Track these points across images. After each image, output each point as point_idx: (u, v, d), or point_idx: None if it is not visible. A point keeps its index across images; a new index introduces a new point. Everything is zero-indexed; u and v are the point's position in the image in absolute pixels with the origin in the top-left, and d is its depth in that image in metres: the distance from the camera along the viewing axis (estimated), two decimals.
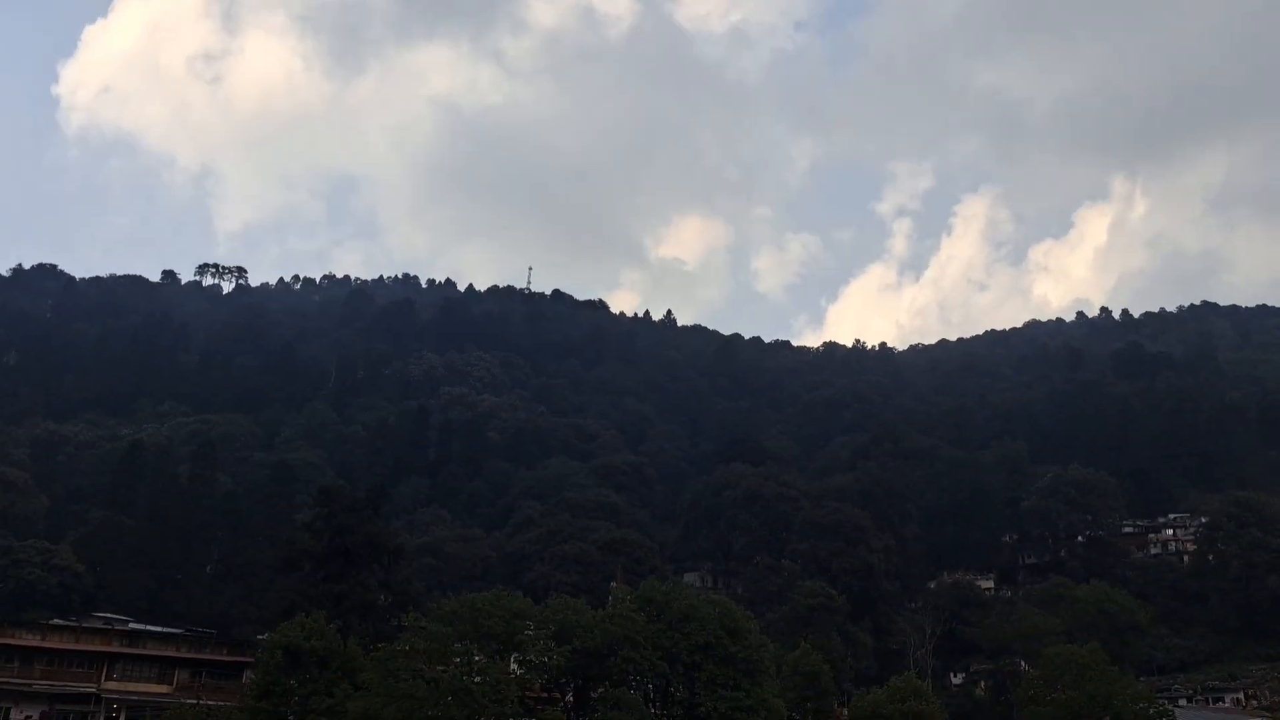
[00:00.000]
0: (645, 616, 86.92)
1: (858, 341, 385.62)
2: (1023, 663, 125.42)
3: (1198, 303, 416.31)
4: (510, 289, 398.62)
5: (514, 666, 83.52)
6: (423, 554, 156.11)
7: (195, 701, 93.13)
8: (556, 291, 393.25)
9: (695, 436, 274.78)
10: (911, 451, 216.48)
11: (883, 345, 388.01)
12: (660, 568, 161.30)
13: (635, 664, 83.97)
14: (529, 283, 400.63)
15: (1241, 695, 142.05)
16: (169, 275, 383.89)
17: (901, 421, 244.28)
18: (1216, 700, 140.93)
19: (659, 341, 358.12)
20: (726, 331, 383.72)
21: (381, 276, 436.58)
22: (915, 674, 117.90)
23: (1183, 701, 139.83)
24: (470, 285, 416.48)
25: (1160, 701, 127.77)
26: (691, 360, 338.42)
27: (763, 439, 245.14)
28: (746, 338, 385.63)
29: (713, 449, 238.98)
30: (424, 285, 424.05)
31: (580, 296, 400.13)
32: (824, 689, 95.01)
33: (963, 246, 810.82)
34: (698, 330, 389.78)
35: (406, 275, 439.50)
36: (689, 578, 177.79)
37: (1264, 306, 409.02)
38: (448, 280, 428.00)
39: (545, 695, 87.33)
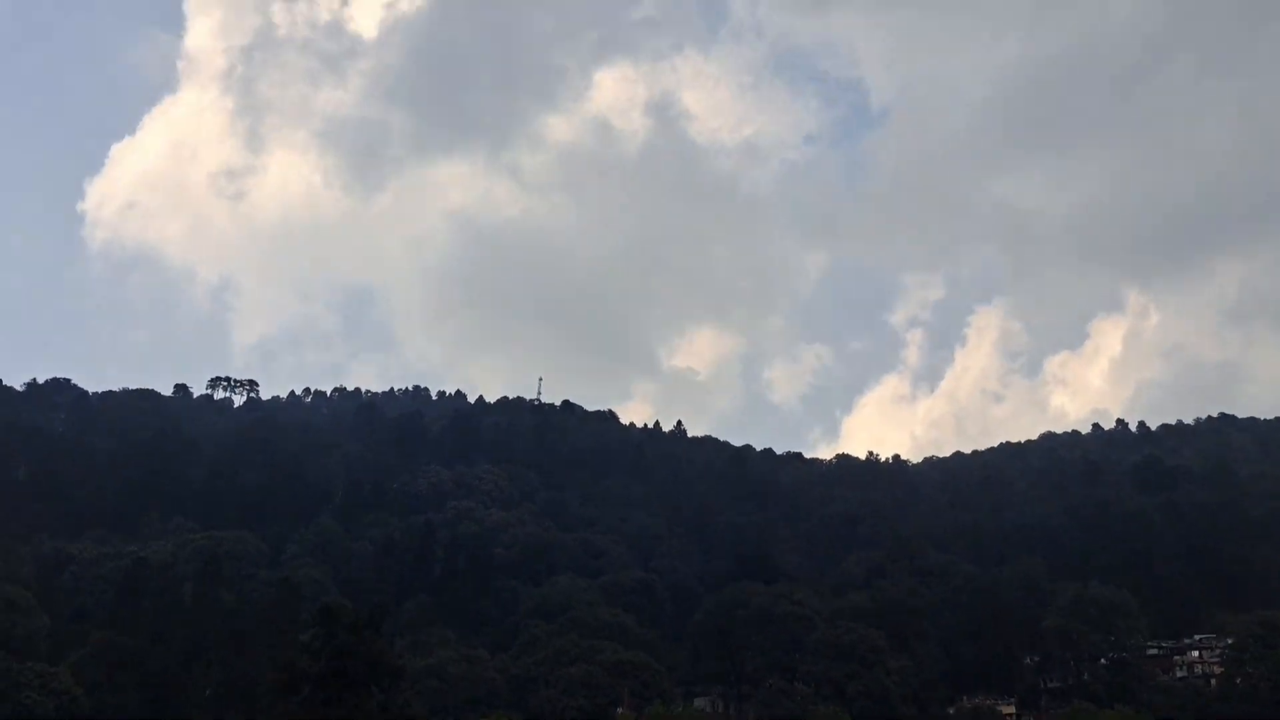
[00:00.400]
0: None
1: (871, 454, 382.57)
2: None
3: (1216, 415, 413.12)
4: (520, 400, 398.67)
5: None
6: (426, 676, 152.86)
7: None
8: (566, 402, 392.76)
9: (706, 551, 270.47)
10: (928, 569, 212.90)
11: (896, 458, 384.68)
12: (669, 691, 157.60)
13: None
14: (539, 393, 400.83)
15: None
16: (181, 389, 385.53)
17: (917, 537, 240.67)
18: None
19: (669, 453, 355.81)
20: (738, 442, 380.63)
21: (393, 389, 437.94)
22: None
23: None
24: (480, 397, 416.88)
25: None
26: (702, 472, 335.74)
27: (775, 555, 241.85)
28: (759, 449, 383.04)
29: (724, 565, 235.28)
30: (434, 397, 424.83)
31: (591, 407, 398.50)
32: None
33: (977, 358, 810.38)
34: (709, 441, 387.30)
35: (417, 387, 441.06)
36: (699, 702, 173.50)
37: None
38: (458, 392, 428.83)
39: None
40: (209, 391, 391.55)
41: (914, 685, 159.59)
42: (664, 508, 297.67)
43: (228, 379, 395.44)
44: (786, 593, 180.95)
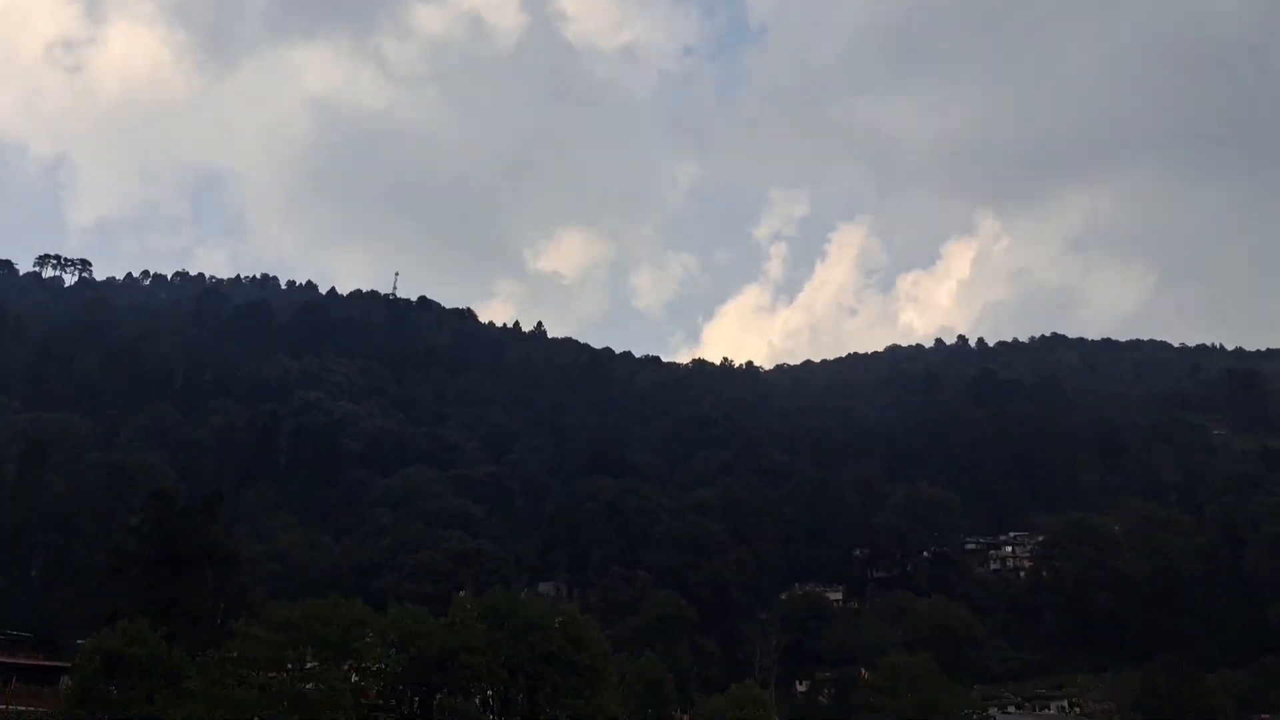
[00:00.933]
0: (488, 626, 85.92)
1: (726, 360, 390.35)
2: (864, 671, 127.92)
3: (1049, 334, 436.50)
4: (374, 294, 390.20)
5: (352, 675, 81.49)
6: (267, 561, 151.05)
7: (4, 707, 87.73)
8: (423, 298, 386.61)
9: (560, 450, 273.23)
10: (772, 469, 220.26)
11: (750, 364, 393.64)
12: (513, 579, 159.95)
13: (475, 671, 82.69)
14: (395, 288, 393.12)
15: (1066, 703, 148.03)
16: (4, 265, 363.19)
17: (764, 439, 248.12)
18: (1043, 707, 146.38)
19: (529, 353, 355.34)
20: (603, 346, 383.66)
21: (239, 276, 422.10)
22: (758, 682, 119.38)
23: (1012, 709, 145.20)
24: (333, 288, 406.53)
25: (987, 708, 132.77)
26: (561, 373, 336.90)
27: (627, 453, 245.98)
28: (619, 353, 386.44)
29: (576, 462, 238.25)
30: (283, 287, 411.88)
31: (450, 305, 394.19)
32: (666, 696, 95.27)
33: (835, 273, 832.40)
34: (568, 343, 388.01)
35: (266, 276, 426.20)
36: (544, 588, 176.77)
37: (1108, 340, 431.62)
38: (309, 283, 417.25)
39: (382, 703, 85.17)
40: (36, 269, 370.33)
41: (751, 575, 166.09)
42: (520, 407, 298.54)
43: (58, 257, 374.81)
44: (635, 488, 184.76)
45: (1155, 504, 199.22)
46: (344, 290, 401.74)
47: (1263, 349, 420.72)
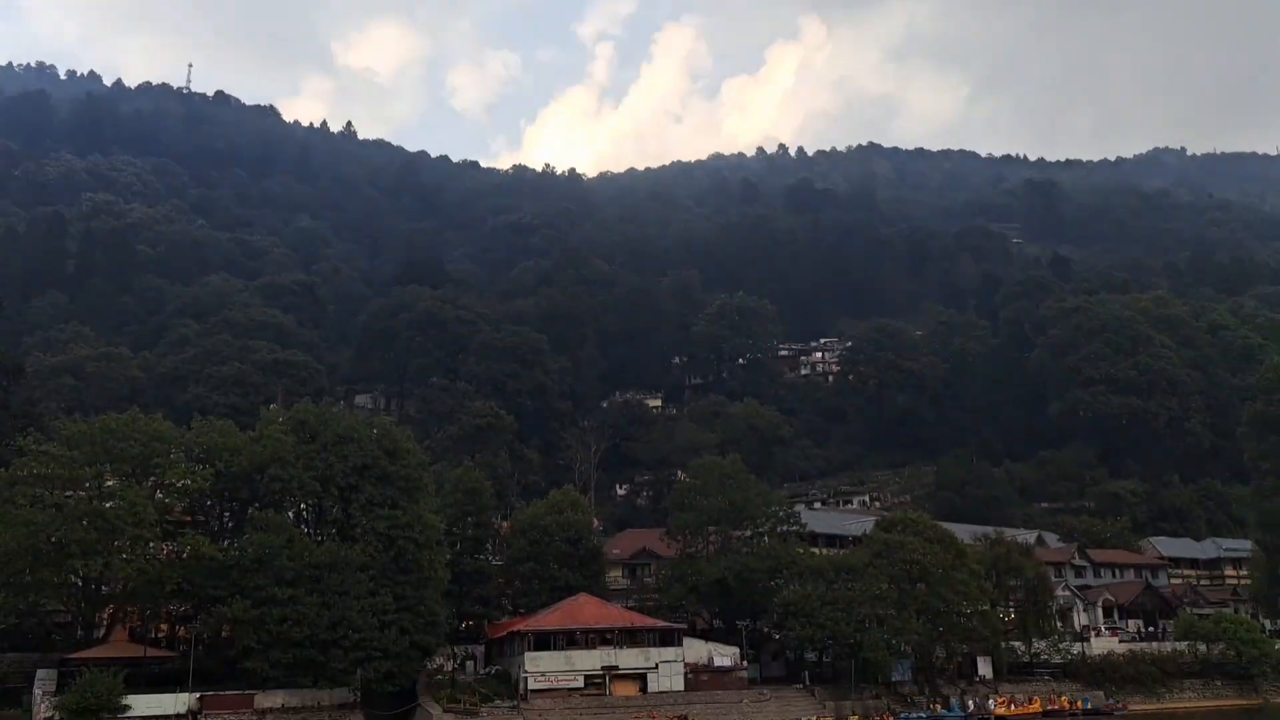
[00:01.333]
0: (298, 438, 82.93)
1: (548, 166, 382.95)
2: (680, 474, 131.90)
3: (865, 144, 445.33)
4: (166, 87, 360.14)
5: (157, 492, 77.85)
6: (59, 374, 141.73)
7: None
8: (220, 93, 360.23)
9: (375, 258, 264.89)
10: (593, 278, 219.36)
11: (572, 171, 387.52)
12: (328, 390, 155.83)
13: (286, 485, 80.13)
14: (189, 82, 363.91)
15: (867, 497, 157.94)
16: None
17: (585, 248, 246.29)
18: (846, 502, 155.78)
19: (338, 155, 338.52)
20: (415, 149, 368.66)
21: (11, 64, 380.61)
22: (575, 487, 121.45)
23: (818, 504, 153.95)
24: (119, 80, 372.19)
25: (794, 504, 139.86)
26: (374, 177, 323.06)
27: (445, 262, 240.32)
28: (435, 157, 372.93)
29: (392, 270, 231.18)
30: (63, 77, 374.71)
31: (251, 102, 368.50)
32: (484, 504, 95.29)
33: (662, 77, 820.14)
34: (381, 146, 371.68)
35: (42, 64, 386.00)
36: (361, 400, 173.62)
37: (921, 150, 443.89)
38: (91, 73, 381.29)
39: (189, 519, 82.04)
40: None
41: (571, 383, 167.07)
42: (331, 212, 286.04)
43: None
44: (452, 298, 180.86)
45: (954, 309, 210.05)
46: (131, 83, 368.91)
47: (1062, 160, 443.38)
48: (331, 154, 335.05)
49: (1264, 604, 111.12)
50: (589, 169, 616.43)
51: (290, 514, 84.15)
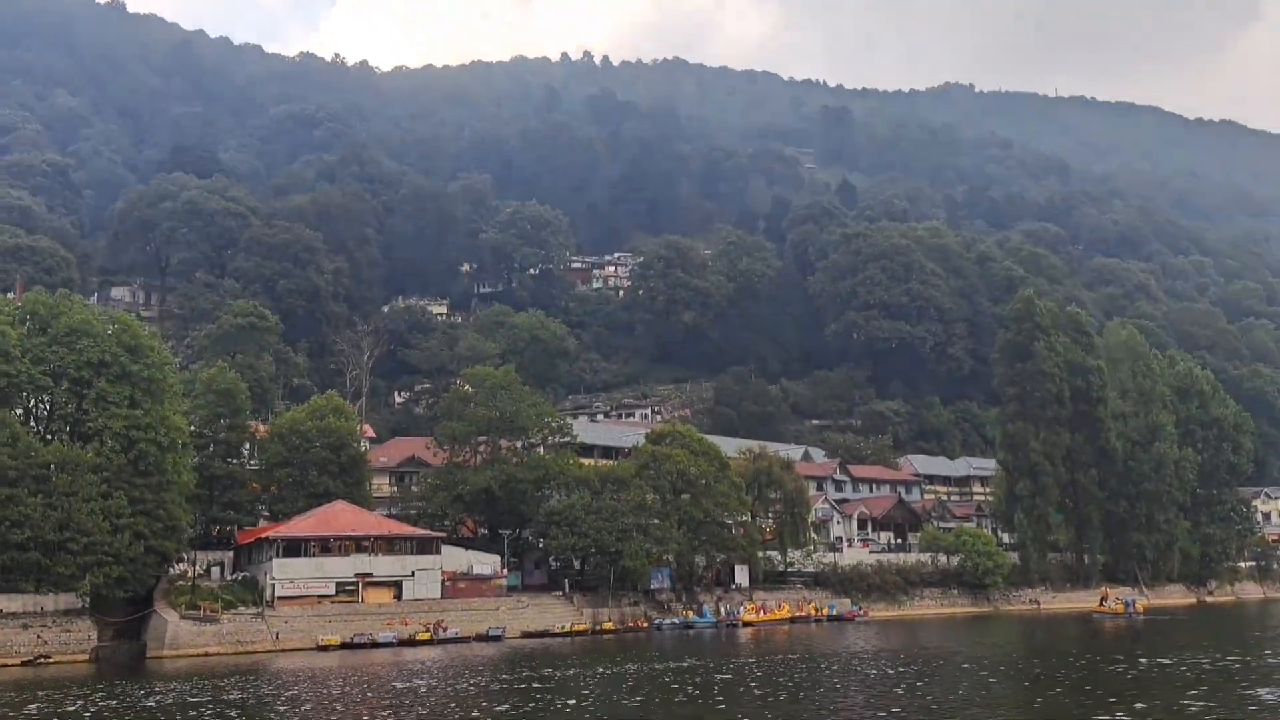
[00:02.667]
0: (28, 330, 75.33)
1: (338, 57, 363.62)
2: (459, 382, 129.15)
3: (671, 59, 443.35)
4: None
5: None
6: None
7: None
8: None
9: (142, 142, 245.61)
10: (380, 176, 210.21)
11: (364, 63, 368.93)
12: (79, 281, 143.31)
13: (14, 380, 72.75)
14: None
15: (649, 411, 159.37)
16: None
17: (373, 145, 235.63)
18: (629, 415, 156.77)
19: (105, 28, 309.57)
20: (191, 26, 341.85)
21: None
22: (350, 393, 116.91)
23: (601, 416, 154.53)
24: None
25: (574, 416, 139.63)
26: (143, 54, 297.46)
27: (218, 150, 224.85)
28: (215, 37, 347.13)
29: (159, 156, 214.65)
30: None
31: None
32: (240, 406, 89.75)
33: None
34: (154, 21, 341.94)
35: None
36: (118, 293, 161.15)
37: (725, 69, 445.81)
38: None
39: None
40: None
41: (349, 285, 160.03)
42: (93, 89, 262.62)
43: None
44: (222, 188, 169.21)
45: (746, 230, 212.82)
46: None
47: (859, 88, 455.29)
48: (97, 26, 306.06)
49: (1001, 519, 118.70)
50: (385, 63, 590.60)
51: (18, 410, 76.93)
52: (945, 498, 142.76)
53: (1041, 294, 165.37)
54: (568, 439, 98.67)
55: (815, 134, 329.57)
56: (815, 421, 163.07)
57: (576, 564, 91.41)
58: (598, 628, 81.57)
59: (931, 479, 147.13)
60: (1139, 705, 35.51)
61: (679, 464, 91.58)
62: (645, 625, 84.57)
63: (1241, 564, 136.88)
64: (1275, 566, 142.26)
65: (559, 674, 51.15)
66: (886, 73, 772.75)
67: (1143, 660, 52.80)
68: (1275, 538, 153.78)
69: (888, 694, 41.62)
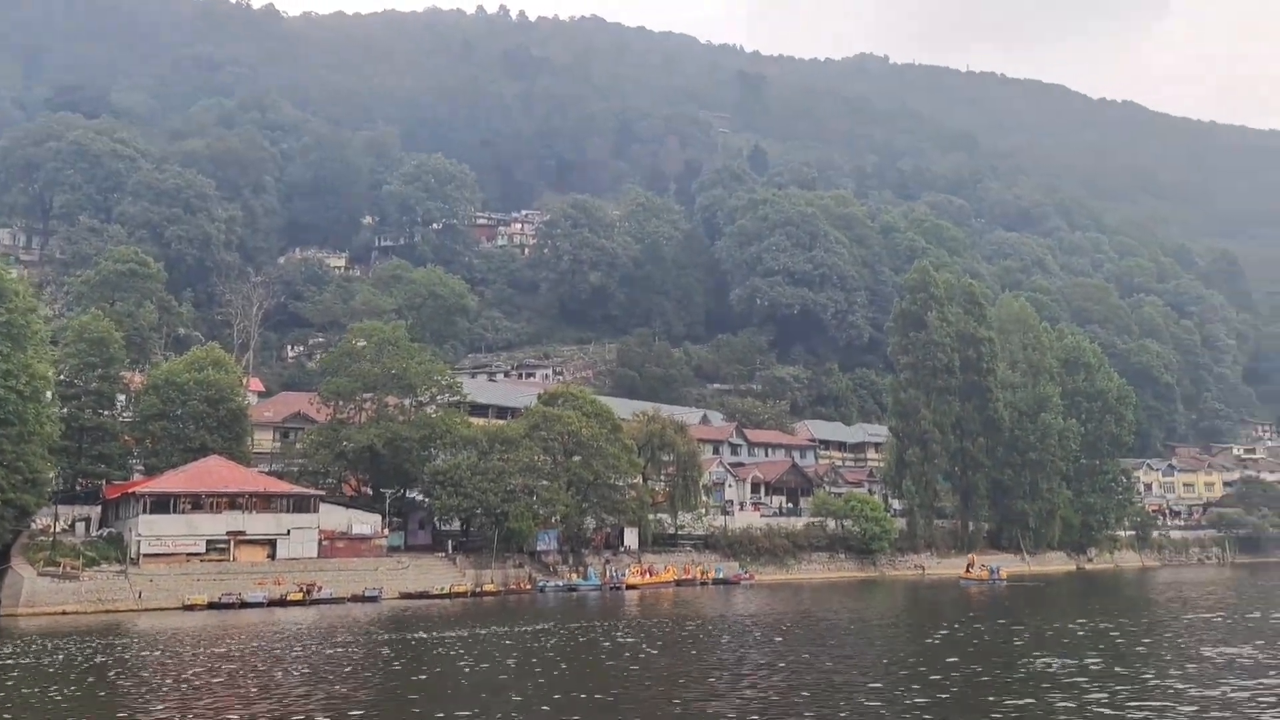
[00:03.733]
0: None
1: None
2: (348, 336, 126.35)
3: (589, 15, 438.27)
4: None
5: None
6: None
7: None
8: None
9: (31, 78, 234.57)
10: (281, 124, 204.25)
11: (270, 6, 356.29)
12: None
13: None
14: None
15: (551, 372, 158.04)
16: None
17: (277, 93, 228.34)
18: (530, 375, 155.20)
19: None
20: None
21: None
22: (234, 345, 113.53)
23: (501, 376, 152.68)
24: None
25: (476, 375, 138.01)
26: None
27: (112, 90, 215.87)
28: None
29: (47, 95, 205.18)
30: None
31: None
32: (113, 356, 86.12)
33: None
34: None
35: None
36: None
37: (643, 29, 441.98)
38: None
39: None
40: None
41: (243, 234, 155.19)
42: None
43: None
44: (109, 130, 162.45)
45: (657, 192, 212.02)
46: None
47: (776, 55, 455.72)
48: None
49: (891, 486, 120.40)
50: (293, 7, 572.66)
51: None
52: (841, 463, 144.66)
53: (942, 265, 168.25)
54: (457, 398, 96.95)
55: (730, 99, 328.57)
56: (717, 386, 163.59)
57: (461, 525, 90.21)
58: (479, 590, 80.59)
59: (827, 444, 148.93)
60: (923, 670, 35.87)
61: (570, 425, 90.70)
62: (529, 588, 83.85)
63: (1121, 533, 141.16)
64: (1154, 536, 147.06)
65: (426, 636, 50.17)
66: (803, 41, 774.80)
67: (979, 625, 53.95)
68: (1155, 508, 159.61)
69: (721, 659, 41.49)
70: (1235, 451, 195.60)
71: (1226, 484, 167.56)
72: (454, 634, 50.81)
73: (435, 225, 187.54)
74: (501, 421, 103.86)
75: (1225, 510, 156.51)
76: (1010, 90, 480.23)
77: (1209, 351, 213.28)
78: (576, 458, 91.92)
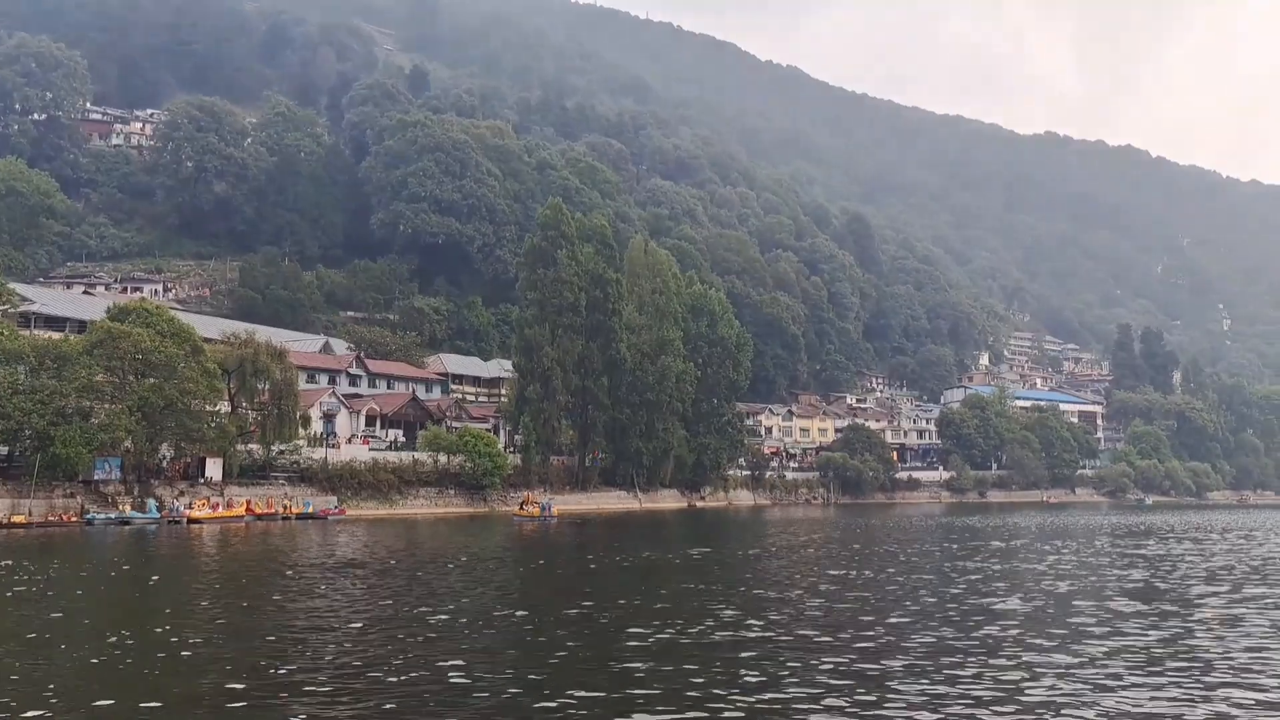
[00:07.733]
0: None
1: None
2: None
3: None
4: None
5: None
6: None
7: None
8: None
9: None
10: None
11: None
12: None
13: None
14: None
15: (161, 288, 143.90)
16: None
17: None
18: (136, 289, 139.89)
19: None
20: None
21: None
22: None
23: (101, 288, 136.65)
24: None
25: (71, 286, 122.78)
26: None
27: None
28: None
29: None
30: None
31: None
32: None
33: None
34: None
35: None
36: None
37: None
38: None
39: None
40: None
41: None
42: None
43: None
44: None
45: (305, 105, 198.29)
46: None
47: None
48: None
49: (511, 421, 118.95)
50: None
51: None
52: (475, 399, 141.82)
53: (593, 207, 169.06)
54: (7, 305, 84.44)
55: (400, 16, 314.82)
56: (351, 313, 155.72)
57: (4, 450, 78.82)
58: (7, 521, 70.44)
59: (461, 379, 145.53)
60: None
61: (139, 343, 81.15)
62: (75, 520, 74.50)
63: (737, 473, 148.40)
64: (768, 475, 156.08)
65: None
66: None
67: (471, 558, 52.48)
68: (774, 450, 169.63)
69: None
70: (849, 401, 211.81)
71: (838, 430, 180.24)
72: None
73: (36, 115, 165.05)
74: (58, 335, 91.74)
75: (833, 454, 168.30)
76: (684, 42, 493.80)
77: (835, 308, 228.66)
78: (150, 380, 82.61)
